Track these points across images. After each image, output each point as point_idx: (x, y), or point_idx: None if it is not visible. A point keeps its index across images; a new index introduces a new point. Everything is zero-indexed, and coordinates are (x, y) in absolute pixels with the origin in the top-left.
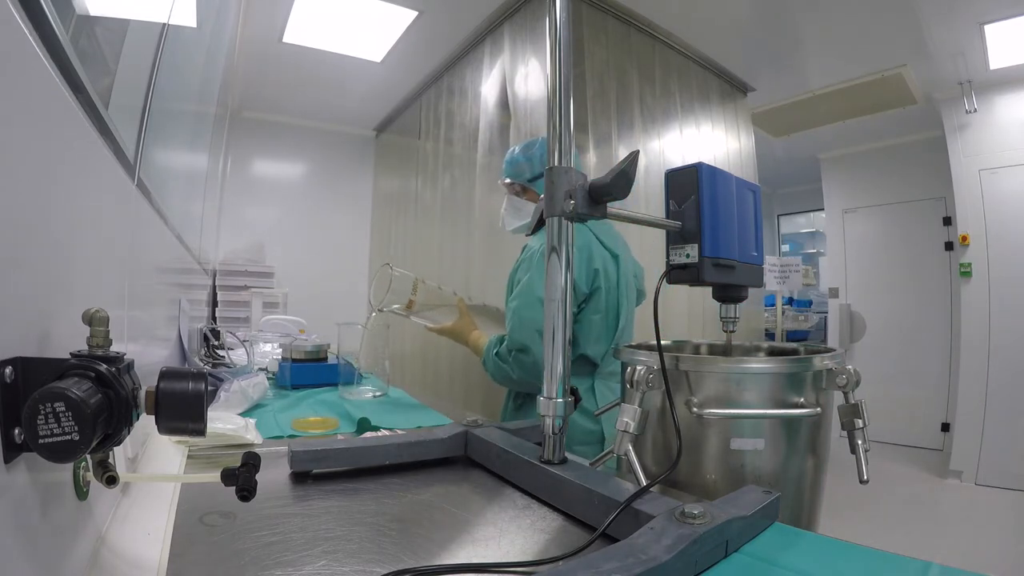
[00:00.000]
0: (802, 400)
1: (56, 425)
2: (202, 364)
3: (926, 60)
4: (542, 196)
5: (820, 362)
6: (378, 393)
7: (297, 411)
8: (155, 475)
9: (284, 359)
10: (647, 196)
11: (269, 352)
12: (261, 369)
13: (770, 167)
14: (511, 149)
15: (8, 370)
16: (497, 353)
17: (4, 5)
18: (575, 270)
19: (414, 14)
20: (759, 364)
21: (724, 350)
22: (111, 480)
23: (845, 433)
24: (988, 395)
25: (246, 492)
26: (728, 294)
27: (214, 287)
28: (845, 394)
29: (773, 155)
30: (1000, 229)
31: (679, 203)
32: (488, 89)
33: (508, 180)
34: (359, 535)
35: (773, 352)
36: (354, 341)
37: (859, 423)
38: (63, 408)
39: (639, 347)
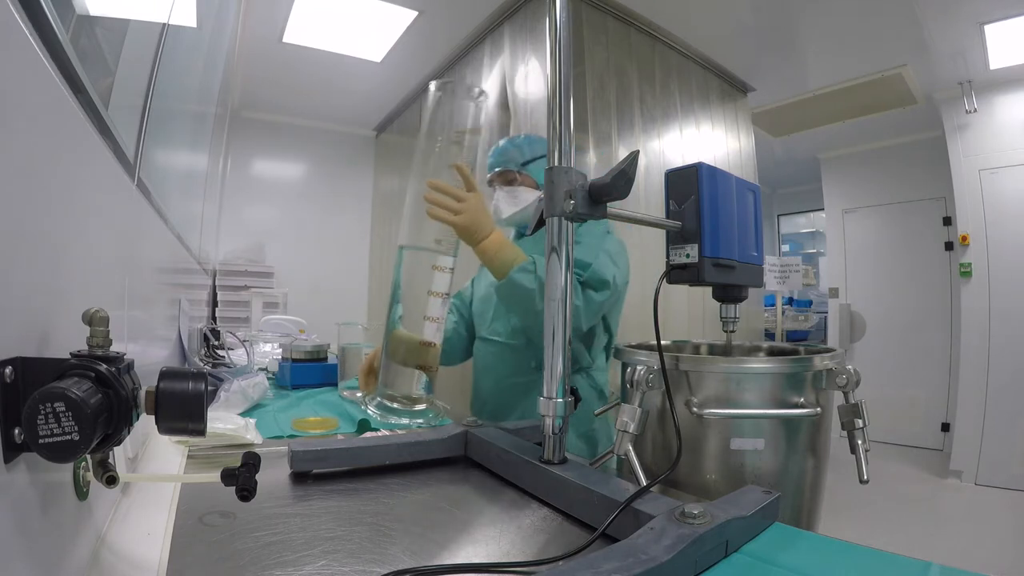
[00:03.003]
0: (802, 400)
1: (56, 425)
2: (202, 364)
3: (926, 60)
4: (541, 189)
5: (820, 362)
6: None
7: (297, 411)
8: (155, 475)
9: (284, 359)
10: (647, 196)
11: (269, 352)
12: (261, 369)
13: (770, 167)
14: (493, 146)
15: (8, 370)
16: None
17: (4, 5)
18: (620, 263)
19: (414, 14)
20: (759, 364)
21: (724, 350)
22: (111, 480)
23: (845, 433)
24: (988, 395)
25: (246, 492)
26: (728, 294)
27: (214, 287)
28: (845, 394)
29: (773, 155)
30: (1000, 229)
31: (679, 203)
32: (488, 89)
33: (498, 170)
34: (359, 535)
35: (773, 352)
36: (354, 340)
37: (859, 423)
38: (63, 408)
39: (639, 347)
